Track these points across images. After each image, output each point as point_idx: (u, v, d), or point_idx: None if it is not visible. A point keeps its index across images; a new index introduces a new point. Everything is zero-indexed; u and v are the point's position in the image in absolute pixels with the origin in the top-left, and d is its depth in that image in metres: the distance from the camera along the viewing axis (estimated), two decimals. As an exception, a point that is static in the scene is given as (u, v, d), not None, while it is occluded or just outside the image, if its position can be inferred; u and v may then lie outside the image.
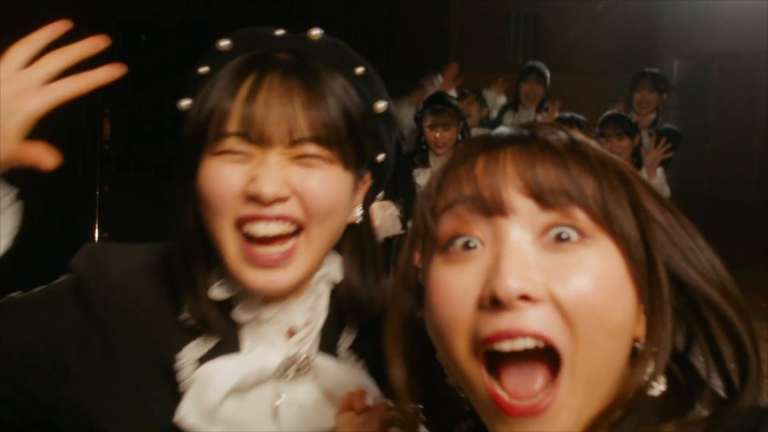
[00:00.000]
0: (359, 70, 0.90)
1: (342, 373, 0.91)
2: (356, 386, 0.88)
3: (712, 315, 0.61)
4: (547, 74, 4.87)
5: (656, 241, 0.62)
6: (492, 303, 0.58)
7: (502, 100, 5.13)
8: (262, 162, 0.82)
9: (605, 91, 9.45)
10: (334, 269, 0.93)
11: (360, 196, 0.92)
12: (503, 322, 0.58)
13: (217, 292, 0.88)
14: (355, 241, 0.93)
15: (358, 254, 0.93)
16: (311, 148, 0.83)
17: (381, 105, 0.90)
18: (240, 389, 0.87)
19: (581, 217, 0.60)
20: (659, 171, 3.91)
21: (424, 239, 0.66)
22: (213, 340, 0.88)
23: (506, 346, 0.58)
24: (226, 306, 0.89)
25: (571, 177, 0.61)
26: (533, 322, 0.57)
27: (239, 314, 0.89)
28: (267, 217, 0.82)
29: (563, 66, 9.85)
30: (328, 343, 0.93)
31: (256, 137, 0.82)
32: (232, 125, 0.82)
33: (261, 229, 0.82)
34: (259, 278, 0.83)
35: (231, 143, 0.82)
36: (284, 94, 0.82)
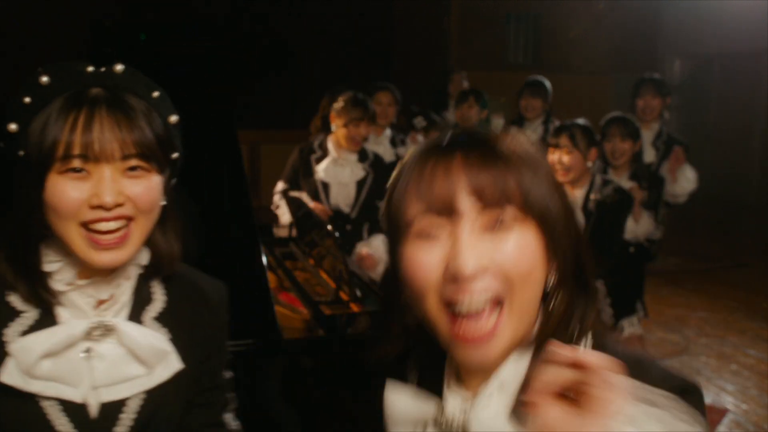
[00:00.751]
0: (155, 93, 1.17)
1: (141, 335, 1.18)
2: (153, 345, 1.18)
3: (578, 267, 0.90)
4: (546, 85, 4.87)
5: (560, 219, 0.88)
6: (453, 276, 0.83)
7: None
8: (100, 178, 1.08)
9: (605, 91, 9.45)
10: (143, 256, 1.22)
11: (163, 188, 1.19)
12: (463, 288, 0.84)
13: (50, 267, 1.14)
14: (160, 218, 1.20)
15: (162, 228, 1.21)
16: (135, 162, 1.10)
17: (173, 118, 1.19)
18: (53, 352, 1.12)
19: (511, 212, 0.85)
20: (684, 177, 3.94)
21: (399, 226, 0.89)
22: (32, 317, 1.14)
23: (465, 307, 0.84)
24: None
25: (505, 181, 0.85)
26: (483, 286, 0.84)
27: (58, 285, 1.15)
28: (108, 218, 1.09)
29: (563, 66, 9.84)
30: (135, 314, 1.22)
31: (94, 157, 1.07)
32: (76, 150, 1.07)
33: (104, 226, 1.09)
34: (103, 258, 1.11)
35: (75, 164, 1.07)
36: (113, 123, 1.08)
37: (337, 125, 3.78)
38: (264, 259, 2.30)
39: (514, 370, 0.88)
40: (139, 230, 1.14)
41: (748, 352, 4.88)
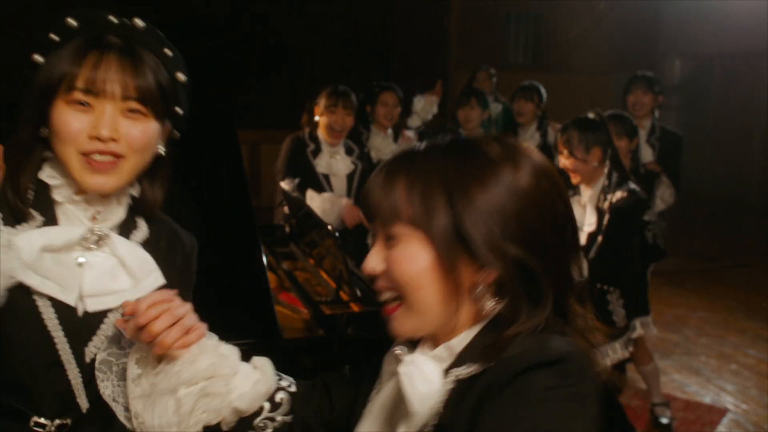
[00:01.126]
0: (168, 51, 1.28)
1: (131, 249, 1.30)
2: (142, 259, 1.30)
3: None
4: (538, 89, 4.90)
5: (467, 225, 0.98)
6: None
7: (431, 105, 5.02)
8: (101, 113, 1.20)
9: (605, 91, 9.45)
10: (134, 189, 1.33)
11: (162, 138, 1.31)
12: (374, 285, 1.08)
13: (52, 181, 1.26)
14: (154, 165, 1.32)
15: (153, 175, 1.33)
16: (134, 104, 1.22)
17: (181, 76, 1.30)
18: (51, 248, 1.22)
19: (399, 227, 1.02)
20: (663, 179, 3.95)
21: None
22: (37, 223, 1.24)
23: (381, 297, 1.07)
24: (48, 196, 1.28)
25: (394, 201, 1.01)
26: (381, 285, 1.06)
27: (56, 195, 1.26)
28: (103, 151, 1.21)
29: (563, 66, 9.84)
30: (124, 235, 1.32)
31: (97, 92, 1.20)
32: (80, 83, 1.20)
33: (98, 158, 1.21)
34: (94, 180, 1.22)
35: (78, 96, 1.20)
36: (119, 67, 1.21)
37: (319, 117, 3.93)
38: (264, 259, 2.30)
39: (451, 348, 1.05)
40: (130, 165, 1.25)
41: (748, 352, 4.88)
